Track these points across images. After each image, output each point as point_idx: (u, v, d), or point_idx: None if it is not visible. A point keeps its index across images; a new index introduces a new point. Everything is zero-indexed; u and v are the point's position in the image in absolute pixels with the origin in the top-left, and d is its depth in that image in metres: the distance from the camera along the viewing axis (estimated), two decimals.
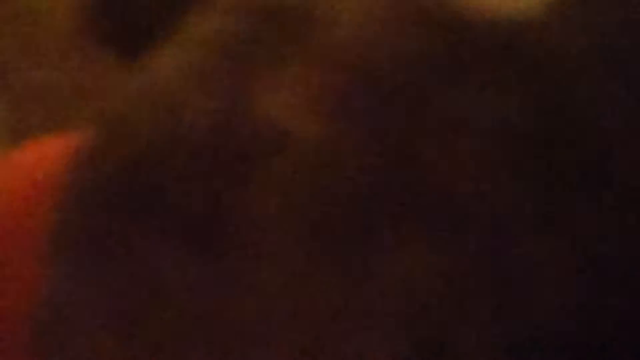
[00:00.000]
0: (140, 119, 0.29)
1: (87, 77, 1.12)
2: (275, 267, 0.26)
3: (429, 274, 0.26)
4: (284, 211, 0.26)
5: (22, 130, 1.49)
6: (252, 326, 0.26)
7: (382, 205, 0.26)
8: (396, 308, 0.25)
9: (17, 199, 1.03)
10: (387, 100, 0.27)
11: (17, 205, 0.99)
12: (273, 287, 0.26)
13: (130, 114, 0.29)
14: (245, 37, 0.29)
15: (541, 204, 0.26)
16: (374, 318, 0.25)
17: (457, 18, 0.28)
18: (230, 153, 0.27)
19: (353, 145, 0.27)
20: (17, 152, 1.15)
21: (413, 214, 0.26)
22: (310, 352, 0.25)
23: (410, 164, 0.26)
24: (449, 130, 0.27)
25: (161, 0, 1.02)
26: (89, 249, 0.29)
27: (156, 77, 0.30)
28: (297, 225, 0.26)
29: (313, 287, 0.26)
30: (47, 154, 1.08)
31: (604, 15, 0.29)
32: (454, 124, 0.27)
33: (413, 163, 0.26)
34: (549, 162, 0.26)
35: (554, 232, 0.26)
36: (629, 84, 0.29)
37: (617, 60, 0.29)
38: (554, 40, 0.28)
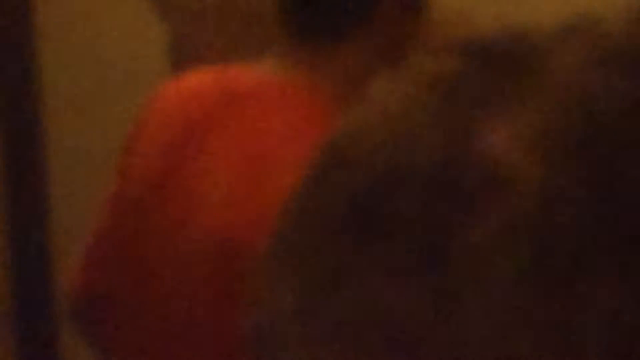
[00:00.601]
0: (371, 148, 0.30)
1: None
2: (488, 295, 0.28)
3: (625, 309, 0.27)
4: (502, 243, 0.28)
5: None
6: (456, 349, 0.28)
7: (593, 245, 0.27)
8: (604, 343, 0.26)
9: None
10: (607, 142, 0.28)
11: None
12: (482, 312, 0.27)
13: (359, 142, 0.31)
14: (468, 78, 0.30)
15: None
16: (579, 351, 0.27)
17: None
18: (456, 186, 0.29)
19: (571, 185, 0.28)
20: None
21: (612, 254, 0.27)
22: None
23: (617, 211, 0.28)
24: None
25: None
26: (315, 276, 0.31)
27: (384, 108, 0.31)
28: (513, 256, 0.28)
29: (520, 316, 0.27)
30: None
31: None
32: None
33: (621, 210, 0.28)
34: None
35: None
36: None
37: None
38: None
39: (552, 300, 0.27)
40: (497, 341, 0.27)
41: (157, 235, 1.07)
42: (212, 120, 1.08)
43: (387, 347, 0.29)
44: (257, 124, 1.06)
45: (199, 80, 1.13)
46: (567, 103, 0.29)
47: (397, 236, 0.29)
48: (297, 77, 1.10)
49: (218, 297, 1.07)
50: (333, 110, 1.09)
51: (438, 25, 1.09)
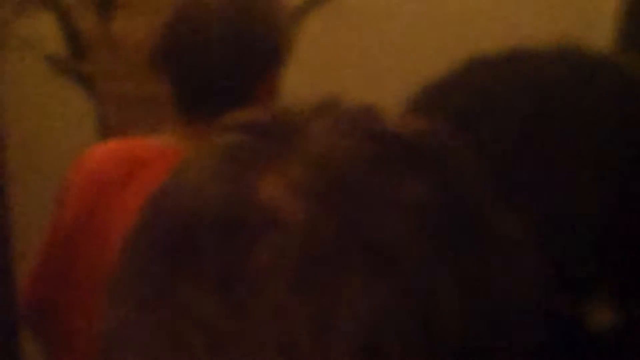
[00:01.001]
0: (179, 200, 0.40)
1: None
2: (270, 303, 0.37)
3: (374, 308, 0.37)
4: (278, 266, 0.37)
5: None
6: (251, 343, 0.37)
7: (344, 259, 0.38)
8: (352, 341, 0.37)
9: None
10: (346, 189, 0.39)
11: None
12: (266, 316, 0.37)
13: (172, 195, 0.41)
14: (247, 146, 0.40)
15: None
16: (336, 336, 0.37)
17: (387, 130, 0.42)
18: (242, 224, 0.38)
19: (321, 220, 0.38)
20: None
21: (366, 265, 0.38)
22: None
23: (356, 230, 0.38)
24: (382, 205, 0.39)
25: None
26: (144, 294, 0.40)
27: (189, 171, 0.42)
28: (286, 276, 0.37)
29: (293, 318, 0.37)
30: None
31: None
32: (386, 200, 0.39)
33: (358, 229, 0.38)
34: (446, 226, 0.39)
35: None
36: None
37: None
38: (452, 143, 0.44)
39: (314, 303, 0.37)
40: (279, 336, 0.37)
41: (83, 261, 1.45)
42: (119, 178, 1.46)
43: (204, 346, 0.38)
44: (153, 182, 1.50)
45: (113, 147, 1.54)
46: (319, 159, 0.39)
47: (203, 262, 0.38)
48: (187, 146, 1.51)
49: None
50: None
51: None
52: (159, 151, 1.48)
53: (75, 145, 1.67)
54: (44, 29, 2.41)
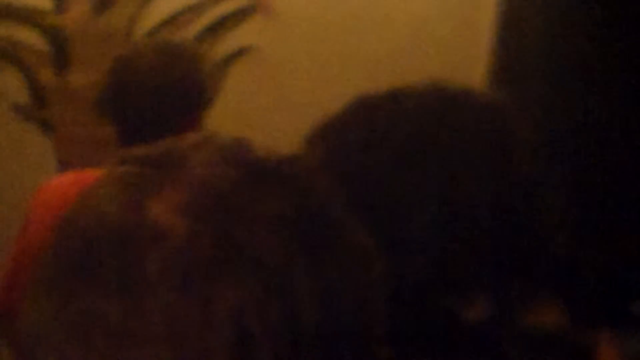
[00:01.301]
0: (84, 220, 0.47)
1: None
2: (159, 304, 0.44)
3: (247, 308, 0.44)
4: (165, 272, 0.44)
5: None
6: (145, 333, 0.43)
7: (219, 263, 0.44)
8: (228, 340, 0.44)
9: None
10: (219, 207, 0.46)
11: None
12: (157, 314, 0.44)
13: (78, 216, 0.47)
14: (138, 175, 0.47)
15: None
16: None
17: (253, 159, 0.49)
18: (134, 239, 0.45)
19: (199, 233, 0.45)
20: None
21: (238, 267, 0.45)
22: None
23: (229, 239, 0.46)
24: (250, 218, 0.46)
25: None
26: (56, 297, 0.45)
27: (92, 196, 0.48)
28: (172, 280, 0.44)
29: (179, 314, 0.43)
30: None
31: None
32: (253, 215, 0.47)
33: (230, 239, 0.46)
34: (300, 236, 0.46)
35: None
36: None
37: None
38: (310, 168, 0.53)
39: (196, 301, 0.43)
40: (169, 330, 0.44)
41: None
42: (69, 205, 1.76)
43: (107, 342, 0.44)
44: None
45: (68, 176, 1.79)
46: (196, 184, 0.46)
47: (103, 272, 0.44)
48: None
49: None
50: None
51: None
52: None
53: (37, 182, 1.90)
54: (10, 81, 2.71)
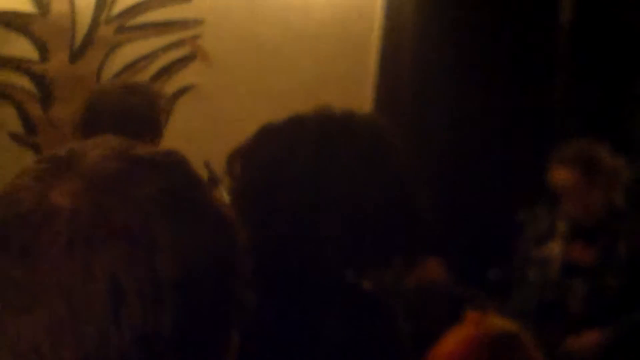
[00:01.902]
0: (2, 203, 0.56)
1: None
2: (50, 263, 0.53)
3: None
4: (56, 239, 0.53)
5: None
6: (41, 285, 0.54)
7: (97, 232, 0.54)
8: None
9: None
10: (101, 191, 0.55)
11: None
12: (49, 270, 0.54)
13: None
14: (47, 169, 0.58)
15: None
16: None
17: (132, 153, 0.60)
18: (36, 216, 0.54)
19: (82, 210, 0.53)
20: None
21: (108, 235, 0.55)
22: None
23: (105, 214, 0.54)
24: (124, 198, 0.56)
25: None
26: None
27: (7, 187, 0.57)
28: (60, 244, 0.53)
29: (66, 270, 0.52)
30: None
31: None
32: (126, 195, 0.56)
33: (106, 218, 0.55)
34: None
35: None
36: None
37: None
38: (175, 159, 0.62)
39: (78, 260, 0.55)
40: (59, 283, 0.52)
41: None
42: None
43: (13, 295, 0.54)
44: None
45: None
46: (85, 174, 0.56)
47: (10, 241, 0.55)
48: None
49: None
50: None
51: None
52: None
53: None
54: (8, 115, 3.08)
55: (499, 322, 2.01)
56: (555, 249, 2.87)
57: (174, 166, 0.62)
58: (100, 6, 3.17)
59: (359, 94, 3.32)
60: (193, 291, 0.57)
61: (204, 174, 2.08)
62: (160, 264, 0.56)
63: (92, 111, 2.09)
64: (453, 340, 1.79)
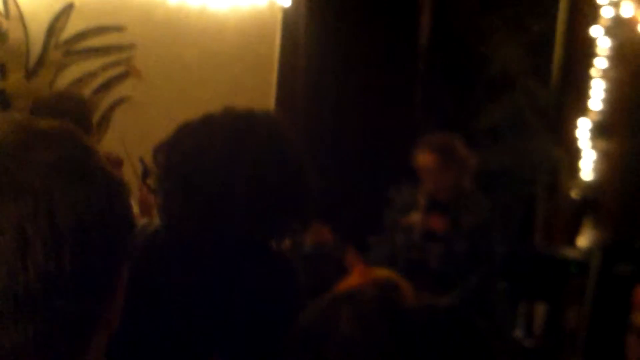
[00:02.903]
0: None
1: None
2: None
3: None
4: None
5: None
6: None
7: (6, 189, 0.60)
8: None
9: None
10: (7, 156, 0.59)
11: None
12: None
13: None
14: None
15: None
16: None
17: (35, 126, 0.64)
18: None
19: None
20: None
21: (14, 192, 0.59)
22: None
23: (9, 179, 0.60)
24: (29, 163, 0.61)
25: None
26: None
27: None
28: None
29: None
30: None
31: None
32: (33, 160, 0.61)
33: (11, 178, 0.61)
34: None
35: None
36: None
37: None
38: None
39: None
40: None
41: None
42: None
43: None
44: None
45: None
46: None
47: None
48: None
49: None
50: None
51: None
52: None
53: None
54: None
55: (381, 272, 2.30)
56: (416, 218, 3.33)
57: (68, 137, 0.66)
58: (50, 34, 3.65)
59: (263, 101, 3.84)
60: (86, 237, 0.62)
61: (139, 168, 2.52)
62: (59, 215, 0.60)
63: (34, 114, 2.17)
64: (344, 288, 1.85)
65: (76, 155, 0.64)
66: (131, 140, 2.99)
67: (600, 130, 4.53)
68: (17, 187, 0.60)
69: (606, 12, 4.74)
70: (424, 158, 3.24)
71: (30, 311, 0.58)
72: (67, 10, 3.71)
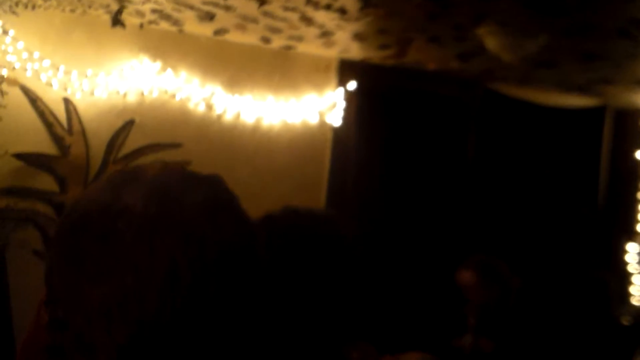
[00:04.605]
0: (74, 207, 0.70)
1: None
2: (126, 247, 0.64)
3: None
4: (127, 229, 0.64)
5: None
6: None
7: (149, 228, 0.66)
8: None
9: None
10: (163, 195, 0.69)
11: None
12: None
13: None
14: (118, 177, 0.71)
15: None
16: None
17: (182, 171, 0.75)
18: (109, 210, 0.67)
19: (147, 208, 0.65)
20: None
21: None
22: None
23: (166, 215, 0.67)
24: (184, 203, 0.68)
25: None
26: (68, 241, 0.65)
27: (89, 188, 0.72)
28: (131, 232, 0.62)
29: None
30: None
31: None
32: (187, 201, 0.68)
33: (168, 215, 0.68)
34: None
35: None
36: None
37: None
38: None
39: (142, 247, 0.66)
40: (129, 262, 0.65)
41: None
42: None
43: (94, 269, 0.65)
44: None
45: None
46: (151, 183, 0.71)
47: (92, 228, 0.68)
48: None
49: None
50: None
51: None
52: None
53: None
54: (30, 235, 3.49)
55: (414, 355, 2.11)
56: (468, 340, 3.37)
57: (214, 182, 0.74)
58: (109, 150, 3.78)
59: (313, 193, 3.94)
60: (228, 270, 0.67)
61: None
62: (207, 250, 0.65)
63: None
64: None
65: (220, 197, 0.70)
66: None
67: None
68: (171, 221, 0.65)
69: None
70: (466, 277, 3.32)
71: (175, 335, 0.63)
72: (128, 126, 3.86)
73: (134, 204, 0.68)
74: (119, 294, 0.63)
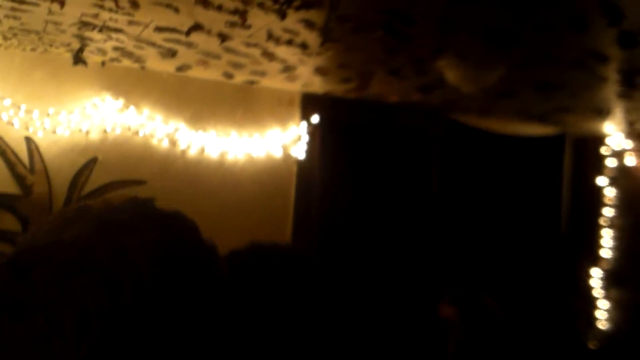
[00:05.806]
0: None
1: None
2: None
3: None
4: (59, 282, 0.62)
5: None
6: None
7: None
8: None
9: None
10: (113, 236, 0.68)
11: None
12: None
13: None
14: (65, 215, 0.72)
15: None
16: None
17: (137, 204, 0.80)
18: (35, 251, 0.67)
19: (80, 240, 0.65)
20: None
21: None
22: None
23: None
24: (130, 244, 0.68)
25: None
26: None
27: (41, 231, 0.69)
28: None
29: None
30: None
31: None
32: (137, 242, 0.69)
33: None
34: None
35: None
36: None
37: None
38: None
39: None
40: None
41: None
42: None
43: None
44: None
45: None
46: (98, 218, 0.72)
47: (36, 269, 0.67)
48: None
49: None
50: None
51: None
52: None
53: None
54: None
55: None
56: None
57: (168, 220, 0.77)
58: (72, 189, 3.81)
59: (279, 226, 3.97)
60: (147, 317, 0.66)
61: None
62: (122, 297, 0.65)
63: None
64: None
65: (165, 237, 0.70)
66: None
67: (612, 279, 4.56)
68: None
69: (610, 162, 4.90)
70: (447, 311, 3.34)
71: None
72: (91, 164, 3.88)
73: (59, 243, 0.68)
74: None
